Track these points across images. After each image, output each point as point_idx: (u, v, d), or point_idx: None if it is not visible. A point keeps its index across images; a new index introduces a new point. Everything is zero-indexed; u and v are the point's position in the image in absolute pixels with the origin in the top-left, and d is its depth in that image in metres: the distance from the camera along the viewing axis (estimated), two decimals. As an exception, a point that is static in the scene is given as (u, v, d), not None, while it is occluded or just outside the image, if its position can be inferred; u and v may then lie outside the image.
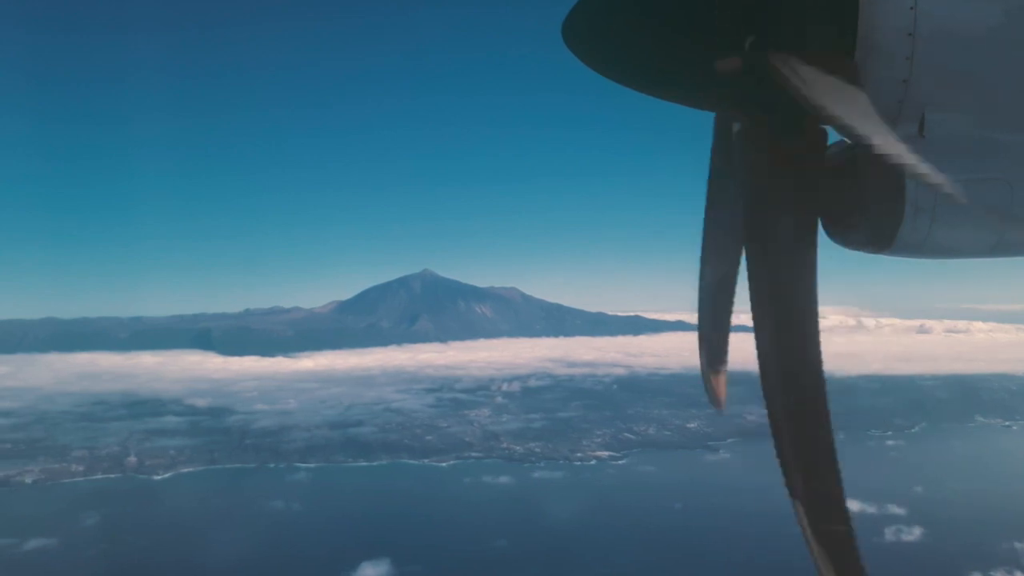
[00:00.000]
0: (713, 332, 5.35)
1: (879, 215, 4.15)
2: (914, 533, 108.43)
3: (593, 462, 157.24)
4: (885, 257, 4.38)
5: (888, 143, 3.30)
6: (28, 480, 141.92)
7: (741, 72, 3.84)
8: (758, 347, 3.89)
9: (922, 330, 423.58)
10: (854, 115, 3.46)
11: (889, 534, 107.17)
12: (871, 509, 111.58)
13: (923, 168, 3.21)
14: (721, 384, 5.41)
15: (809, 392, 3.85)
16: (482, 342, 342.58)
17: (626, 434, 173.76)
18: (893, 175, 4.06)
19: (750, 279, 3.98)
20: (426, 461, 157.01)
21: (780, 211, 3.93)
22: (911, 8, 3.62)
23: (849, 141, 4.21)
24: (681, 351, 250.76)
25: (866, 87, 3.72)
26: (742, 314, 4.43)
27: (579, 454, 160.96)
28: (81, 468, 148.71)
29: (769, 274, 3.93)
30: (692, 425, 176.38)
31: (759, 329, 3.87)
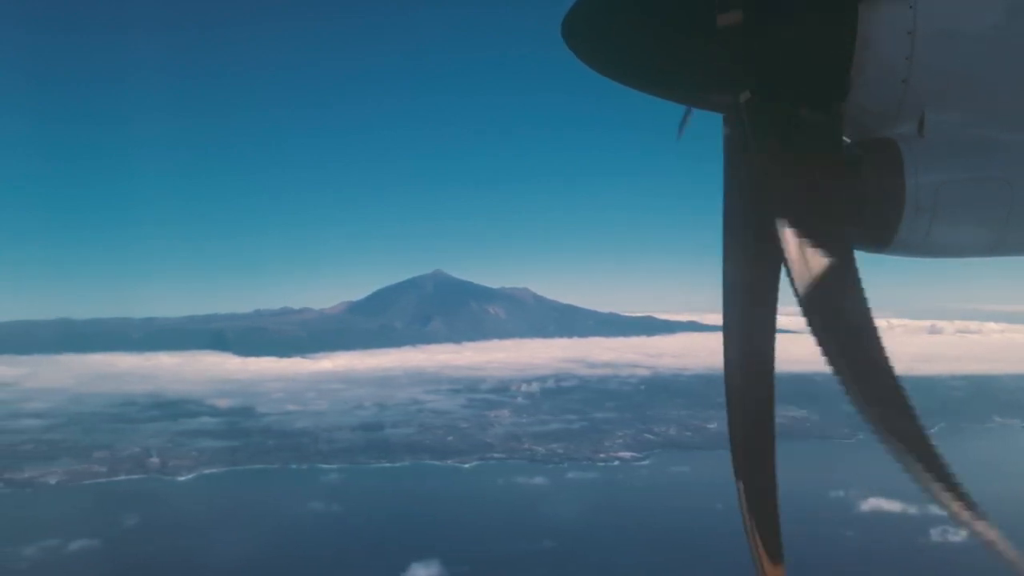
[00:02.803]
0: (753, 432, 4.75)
1: (878, 214, 4.09)
2: (960, 533, 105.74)
3: (616, 463, 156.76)
4: (885, 257, 4.35)
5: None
6: (52, 481, 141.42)
7: (741, 37, 3.82)
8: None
9: (933, 330, 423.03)
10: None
11: (935, 535, 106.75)
12: (912, 510, 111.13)
13: None
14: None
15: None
16: (495, 343, 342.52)
17: (647, 435, 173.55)
18: (893, 174, 4.02)
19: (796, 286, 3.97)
20: (449, 462, 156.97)
21: (805, 208, 3.91)
22: (910, 8, 3.67)
23: (848, 140, 4.25)
24: (698, 351, 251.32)
25: (865, 87, 3.84)
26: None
27: (602, 455, 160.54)
28: (122, 469, 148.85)
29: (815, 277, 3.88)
30: (712, 426, 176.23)
31: (821, 337, 3.84)
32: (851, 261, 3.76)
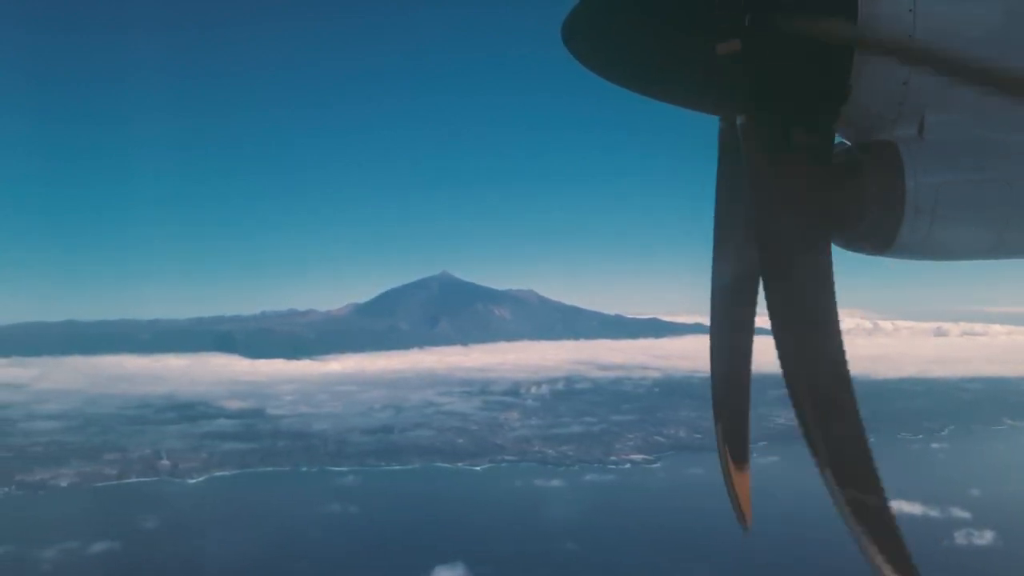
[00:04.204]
0: (732, 399, 4.85)
1: (878, 216, 4.07)
2: (986, 536, 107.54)
3: (628, 465, 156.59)
4: (887, 259, 4.32)
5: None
6: (63, 483, 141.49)
7: (740, 62, 3.81)
8: (780, 353, 3.86)
9: (939, 332, 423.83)
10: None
11: (960, 538, 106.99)
12: (934, 513, 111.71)
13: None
14: (745, 488, 4.75)
15: (837, 393, 3.83)
16: (503, 344, 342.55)
17: (657, 437, 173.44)
18: (893, 176, 3.99)
19: (766, 284, 3.99)
20: (460, 464, 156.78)
21: (788, 213, 3.91)
22: (910, 10, 3.66)
23: (848, 142, 4.24)
24: (706, 354, 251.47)
25: (865, 87, 3.82)
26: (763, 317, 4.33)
27: (612, 457, 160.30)
28: (133, 471, 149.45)
29: (783, 277, 3.92)
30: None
31: (779, 334, 3.85)
32: (828, 270, 3.80)
